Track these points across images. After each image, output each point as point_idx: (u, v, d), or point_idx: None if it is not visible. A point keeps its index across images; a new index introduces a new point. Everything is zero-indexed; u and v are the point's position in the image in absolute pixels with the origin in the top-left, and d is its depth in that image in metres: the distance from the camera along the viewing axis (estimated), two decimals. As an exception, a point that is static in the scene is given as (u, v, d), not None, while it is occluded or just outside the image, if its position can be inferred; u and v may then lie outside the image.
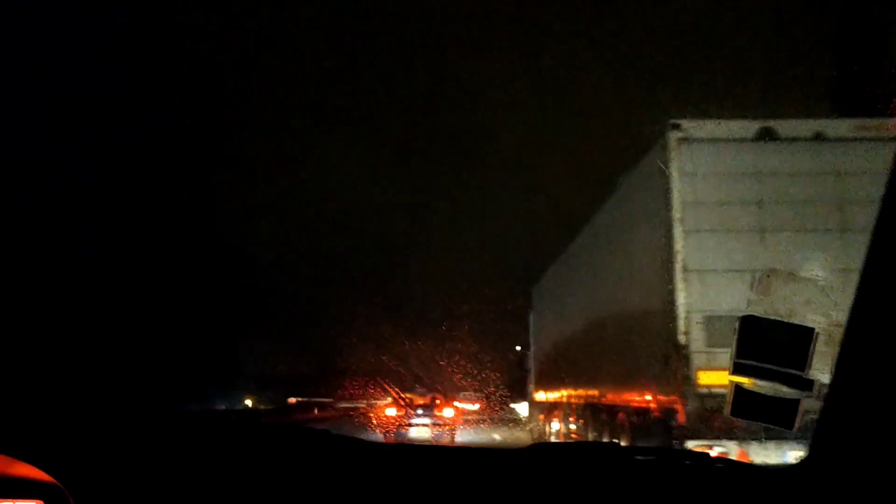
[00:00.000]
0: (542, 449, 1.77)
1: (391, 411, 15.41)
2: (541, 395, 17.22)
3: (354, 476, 1.61)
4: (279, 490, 1.56)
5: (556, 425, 14.57)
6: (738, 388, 1.50)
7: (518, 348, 21.32)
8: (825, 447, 1.21)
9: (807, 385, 1.39)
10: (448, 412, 16.11)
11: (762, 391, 1.45)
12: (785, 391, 1.41)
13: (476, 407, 18.77)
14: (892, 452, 1.07)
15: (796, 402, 1.43)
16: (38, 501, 1.53)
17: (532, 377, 18.53)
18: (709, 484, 1.54)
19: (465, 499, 1.53)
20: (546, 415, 16.11)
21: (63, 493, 1.53)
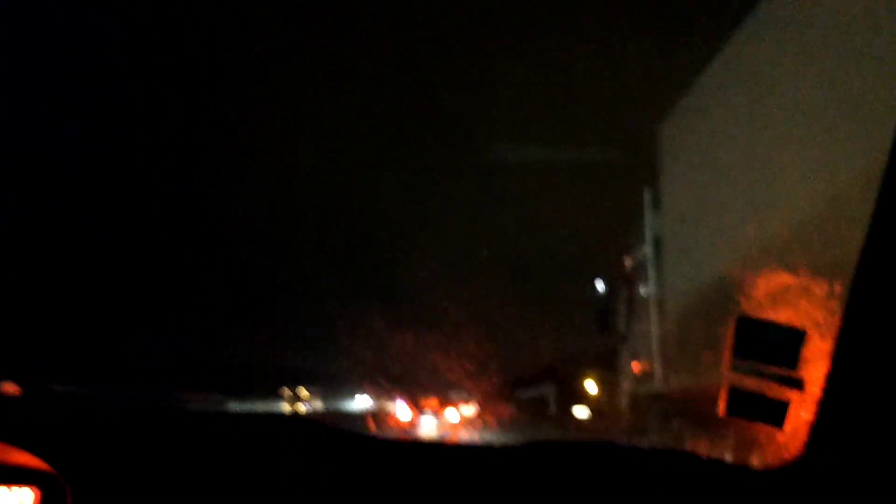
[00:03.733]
0: (537, 447, 1.78)
1: (406, 415, 13.60)
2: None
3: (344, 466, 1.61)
4: (276, 480, 1.56)
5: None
6: (731, 387, 1.52)
7: (598, 285, 9.88)
8: (820, 445, 1.22)
9: (797, 384, 1.40)
10: (453, 416, 14.06)
11: (755, 390, 1.46)
12: (776, 390, 1.43)
13: (472, 411, 11.85)
14: (886, 451, 1.08)
15: (787, 401, 1.45)
16: (34, 488, 1.53)
17: (654, 330, 8.10)
18: (704, 482, 1.55)
19: (459, 495, 1.54)
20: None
21: (59, 480, 1.53)
